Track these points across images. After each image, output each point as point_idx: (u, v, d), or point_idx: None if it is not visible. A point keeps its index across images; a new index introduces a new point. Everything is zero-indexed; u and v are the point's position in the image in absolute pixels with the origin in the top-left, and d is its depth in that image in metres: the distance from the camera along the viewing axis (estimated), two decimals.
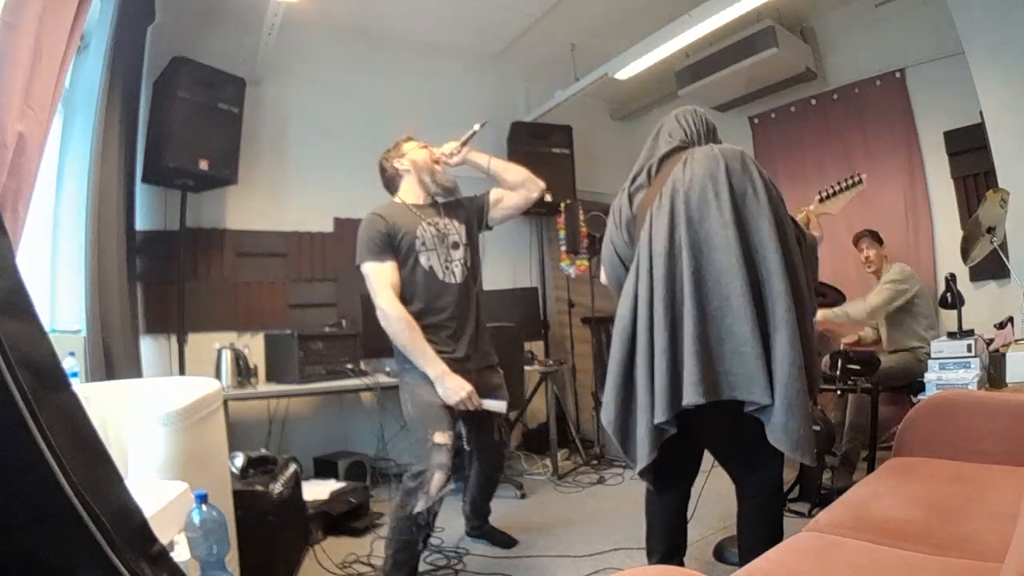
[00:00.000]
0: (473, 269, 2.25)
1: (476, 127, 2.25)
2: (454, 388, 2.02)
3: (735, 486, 1.78)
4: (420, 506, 1.91)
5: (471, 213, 2.29)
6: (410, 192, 2.22)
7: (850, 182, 2.02)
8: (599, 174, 4.82)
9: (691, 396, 1.51)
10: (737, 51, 3.70)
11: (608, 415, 1.71)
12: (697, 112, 1.86)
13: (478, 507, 2.55)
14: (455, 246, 2.20)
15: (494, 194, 2.32)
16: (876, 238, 3.36)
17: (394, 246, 2.08)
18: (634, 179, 1.83)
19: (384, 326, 2.05)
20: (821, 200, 2.05)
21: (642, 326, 1.64)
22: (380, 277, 2.04)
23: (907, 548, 1.22)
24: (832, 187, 2.05)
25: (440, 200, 2.24)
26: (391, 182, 2.27)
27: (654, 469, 1.74)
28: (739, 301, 1.53)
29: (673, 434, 1.64)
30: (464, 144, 2.25)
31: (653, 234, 1.66)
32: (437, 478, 1.91)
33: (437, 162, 2.22)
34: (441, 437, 1.95)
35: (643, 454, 1.62)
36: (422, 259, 2.11)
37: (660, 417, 1.56)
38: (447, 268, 2.16)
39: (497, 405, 2.17)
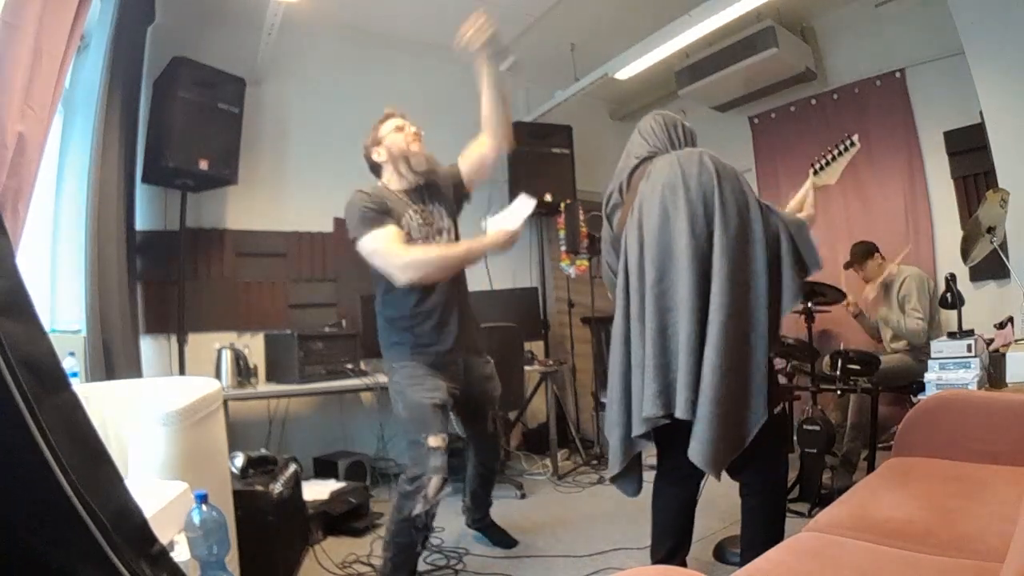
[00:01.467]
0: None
1: (512, 59, 2.07)
2: (497, 240, 1.95)
3: (739, 485, 1.79)
4: (418, 509, 1.89)
5: (452, 195, 2.21)
6: (392, 179, 2.14)
7: (843, 147, 1.93)
8: (599, 174, 4.81)
9: (649, 409, 1.57)
10: (737, 51, 3.70)
11: (609, 428, 1.78)
12: (655, 117, 1.87)
13: (479, 499, 2.54)
14: (440, 232, 2.13)
15: (462, 160, 2.22)
16: (859, 256, 3.36)
17: (388, 216, 1.99)
18: (608, 199, 1.86)
19: (418, 274, 1.92)
20: (816, 172, 1.96)
21: (619, 342, 1.70)
22: (388, 240, 1.92)
23: (907, 548, 1.22)
24: (825, 156, 1.95)
25: (421, 183, 2.13)
26: (373, 170, 2.20)
27: (665, 465, 1.81)
28: (685, 311, 1.56)
29: (682, 432, 1.67)
30: (482, 54, 1.96)
31: (628, 251, 1.72)
32: (434, 483, 1.88)
33: (417, 139, 2.10)
34: (435, 440, 1.90)
35: (614, 464, 1.70)
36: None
37: (637, 430, 1.62)
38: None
39: (513, 216, 1.98)
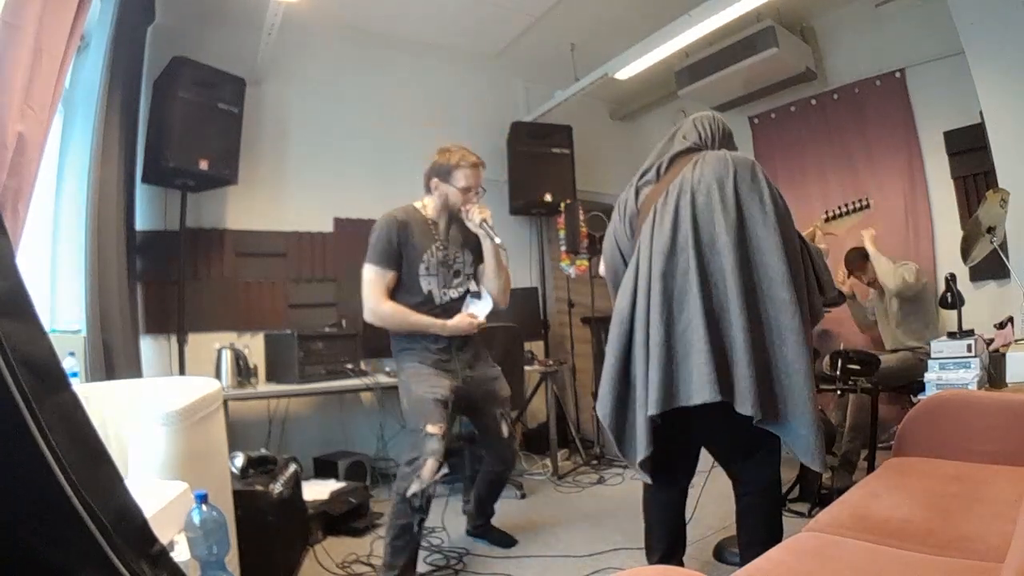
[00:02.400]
0: (467, 294, 2.36)
1: (499, 240, 2.26)
2: (460, 325, 2.22)
3: (732, 483, 1.79)
4: (414, 488, 1.98)
5: (478, 249, 2.36)
6: (431, 206, 2.31)
7: (857, 205, 2.02)
8: (599, 174, 4.82)
9: (706, 394, 1.51)
10: (737, 51, 3.70)
11: (604, 408, 1.72)
12: (716, 118, 1.87)
13: (483, 505, 2.56)
14: (457, 274, 2.32)
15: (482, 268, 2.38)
16: (861, 257, 3.36)
17: (400, 259, 2.21)
18: (643, 174, 1.84)
19: (377, 323, 2.23)
20: (827, 220, 2.05)
21: (639, 322, 1.65)
22: (377, 283, 2.19)
23: (907, 548, 1.22)
24: (839, 208, 2.05)
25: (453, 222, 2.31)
26: (425, 183, 2.31)
27: (651, 466, 1.76)
28: (734, 305, 1.54)
29: (671, 431, 1.66)
30: (480, 230, 2.26)
31: (655, 231, 1.67)
32: (429, 464, 1.99)
33: (472, 210, 2.27)
34: (433, 428, 2.03)
35: (641, 448, 1.64)
36: (423, 283, 2.24)
37: (652, 410, 1.57)
38: (444, 294, 2.28)
39: (481, 307, 2.31)
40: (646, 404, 1.60)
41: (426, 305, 2.24)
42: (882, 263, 3.19)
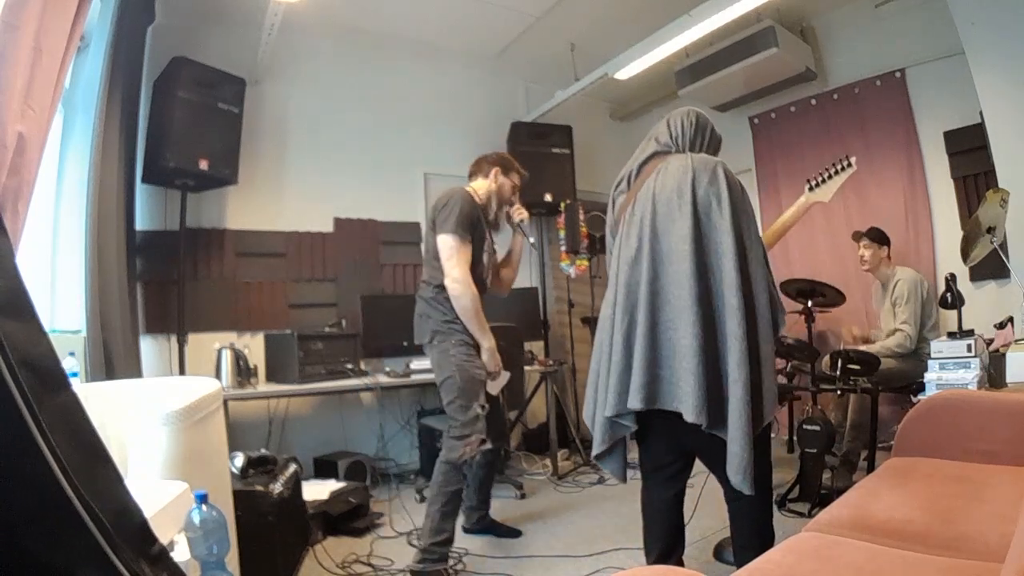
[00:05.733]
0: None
1: (532, 240, 2.65)
2: (498, 363, 2.38)
3: (722, 488, 1.79)
4: (466, 455, 2.22)
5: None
6: (483, 192, 2.45)
7: (840, 167, 1.97)
8: (599, 174, 4.82)
9: (634, 401, 1.59)
10: (737, 51, 3.70)
11: (588, 411, 1.82)
12: (690, 114, 1.84)
13: (485, 489, 2.67)
14: (493, 253, 2.53)
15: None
16: (875, 238, 3.34)
17: (473, 233, 2.31)
18: (618, 184, 1.88)
19: (454, 295, 2.25)
20: (811, 188, 2.00)
21: (604, 329, 1.74)
22: (462, 252, 2.26)
23: (907, 548, 1.22)
24: (821, 174, 1.99)
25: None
26: (479, 168, 2.50)
27: (648, 467, 1.82)
28: (687, 314, 1.56)
29: (664, 434, 1.71)
30: (518, 228, 2.56)
31: (623, 241, 1.73)
32: (476, 440, 2.24)
33: (510, 203, 2.52)
34: (482, 409, 2.26)
35: (596, 443, 1.75)
36: (477, 268, 2.36)
37: (608, 412, 1.66)
38: (487, 273, 2.48)
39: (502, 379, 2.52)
40: (604, 405, 1.69)
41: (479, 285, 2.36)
42: (893, 343, 3.13)
